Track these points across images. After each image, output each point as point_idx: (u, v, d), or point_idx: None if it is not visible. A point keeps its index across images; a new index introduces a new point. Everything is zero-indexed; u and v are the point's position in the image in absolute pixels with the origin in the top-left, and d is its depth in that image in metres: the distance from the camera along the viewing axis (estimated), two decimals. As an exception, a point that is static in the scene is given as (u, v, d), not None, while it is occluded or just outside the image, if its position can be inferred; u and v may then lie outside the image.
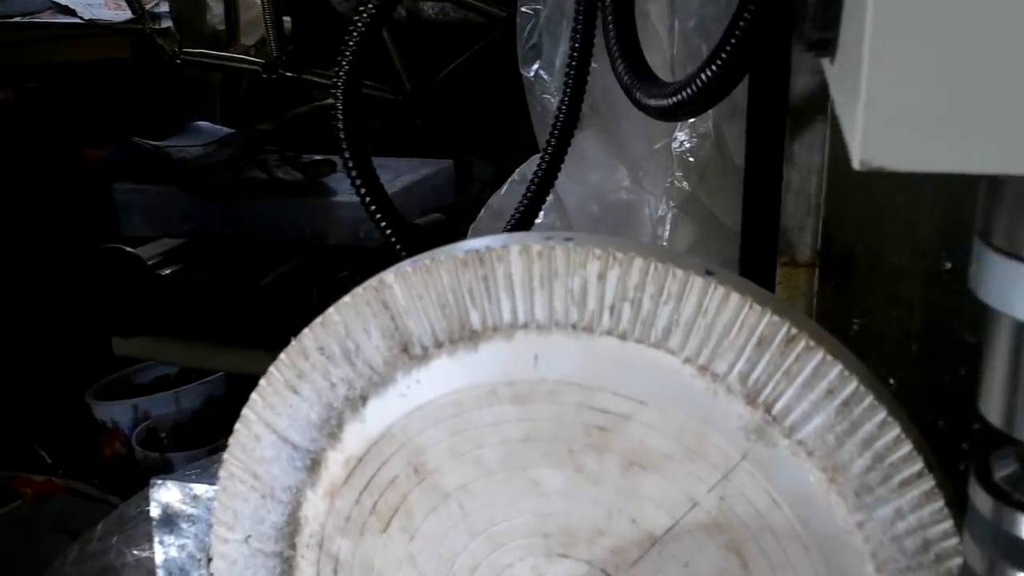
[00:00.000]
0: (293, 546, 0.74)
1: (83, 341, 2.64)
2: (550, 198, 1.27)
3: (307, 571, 0.75)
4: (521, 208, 1.07)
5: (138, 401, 2.73)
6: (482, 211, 1.60)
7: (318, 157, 2.35)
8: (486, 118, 2.89)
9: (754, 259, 1.04)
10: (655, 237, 1.31)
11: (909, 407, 0.98)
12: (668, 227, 1.28)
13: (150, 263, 2.27)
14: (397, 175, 2.41)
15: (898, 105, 0.45)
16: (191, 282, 2.29)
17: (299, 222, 2.26)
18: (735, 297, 0.64)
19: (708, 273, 0.65)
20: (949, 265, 0.92)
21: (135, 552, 1.76)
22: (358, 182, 0.96)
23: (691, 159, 1.26)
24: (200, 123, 2.69)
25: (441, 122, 3.01)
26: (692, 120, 1.26)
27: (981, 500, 0.55)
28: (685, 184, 1.26)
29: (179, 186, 2.32)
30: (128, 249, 2.29)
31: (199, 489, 0.96)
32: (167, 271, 2.28)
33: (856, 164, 0.46)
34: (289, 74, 2.74)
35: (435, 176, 2.53)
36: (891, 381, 0.96)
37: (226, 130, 2.60)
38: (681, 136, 1.27)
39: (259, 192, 2.29)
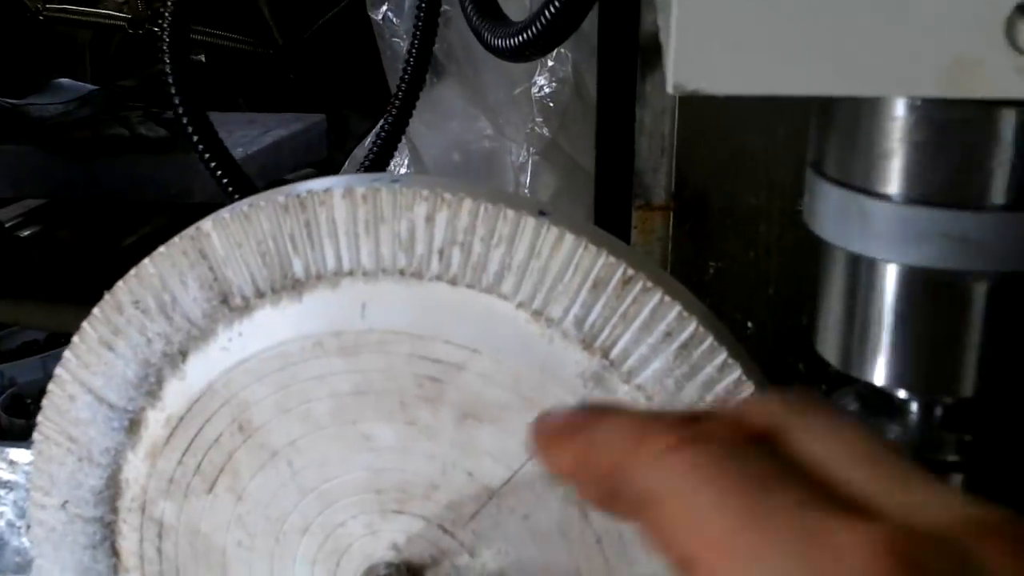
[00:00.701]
0: (114, 511, 0.70)
1: (-56, 307, 2.56)
2: (407, 150, 1.23)
3: (130, 537, 0.71)
4: (370, 157, 1.03)
5: (3, 367, 2.64)
6: (346, 163, 1.56)
7: (184, 113, 2.28)
8: (363, 72, 2.83)
9: (609, 203, 1.01)
10: (517, 185, 1.28)
11: (767, 350, 0.96)
12: (529, 174, 1.25)
13: (8, 225, 2.19)
14: (266, 130, 2.34)
15: (709, 27, 0.42)
16: (52, 244, 2.22)
17: (163, 180, 2.18)
18: (569, 238, 0.61)
19: (541, 214, 0.62)
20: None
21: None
22: (189, 127, 0.92)
23: (551, 104, 1.23)
24: (62, 80, 2.59)
25: (315, 77, 2.94)
26: (552, 64, 1.23)
27: (821, 443, 0.53)
28: (545, 130, 1.23)
29: (38, 145, 2.24)
30: (-15, 211, 2.21)
31: (16, 454, 0.91)
32: (27, 233, 2.21)
33: (670, 88, 0.43)
34: (156, 29, 2.66)
35: (307, 131, 2.47)
36: (749, 324, 0.94)
37: (88, 87, 2.52)
38: (541, 81, 1.23)
39: (121, 149, 2.21)
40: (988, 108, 0.44)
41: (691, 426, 0.38)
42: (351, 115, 2.84)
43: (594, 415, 0.42)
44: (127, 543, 0.71)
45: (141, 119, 2.25)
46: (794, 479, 0.35)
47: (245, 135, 2.30)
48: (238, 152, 2.12)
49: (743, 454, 0.36)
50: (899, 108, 0.45)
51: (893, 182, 0.46)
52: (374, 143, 1.04)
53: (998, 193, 0.44)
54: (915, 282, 0.47)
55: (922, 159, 0.45)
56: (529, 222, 0.61)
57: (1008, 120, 0.43)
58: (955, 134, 0.44)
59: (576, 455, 0.41)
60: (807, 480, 0.36)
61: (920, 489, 0.36)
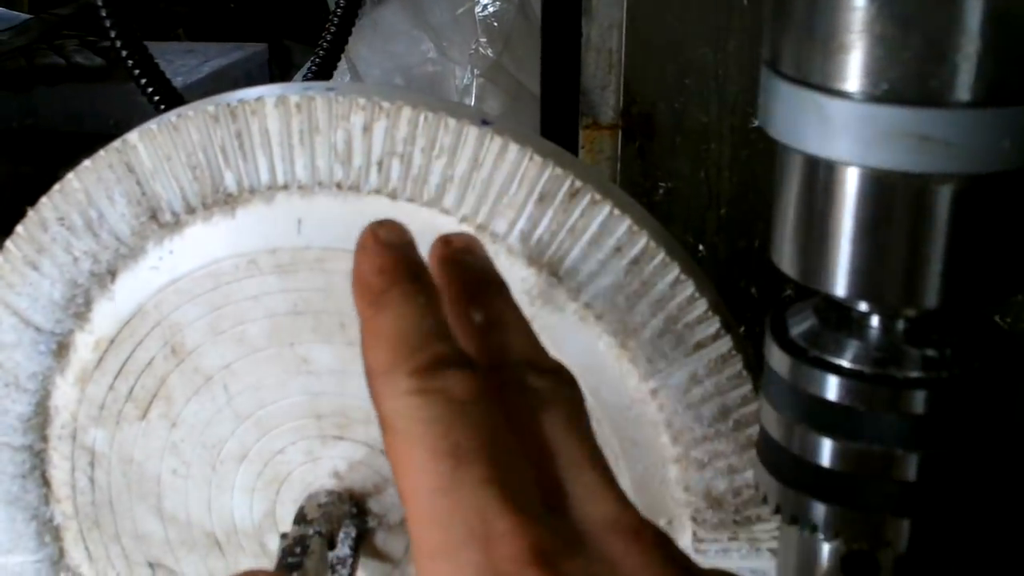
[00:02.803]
0: (44, 438, 0.67)
1: None
2: (348, 74, 1.20)
3: (61, 465, 0.68)
4: (308, 78, 1.00)
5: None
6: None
7: (122, 41, 2.23)
8: (305, 1, 2.78)
9: (555, 123, 0.99)
10: (474, 106, 1.25)
11: (719, 273, 0.94)
12: (474, 96, 1.22)
13: (-59, 158, 2.14)
14: (206, 60, 2.30)
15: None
16: (-13, 175, 2.17)
17: (101, 110, 2.13)
18: (514, 148, 0.59)
19: (484, 123, 0.59)
20: (758, 122, 0.88)
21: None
22: (124, 52, 0.88)
23: (495, 24, 1.20)
24: (-5, 9, 2.54)
25: (256, 5, 2.89)
26: (497, -17, 1.20)
27: (777, 359, 0.51)
28: (490, 51, 1.20)
29: (-28, 75, 2.19)
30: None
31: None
32: (-39, 165, 2.16)
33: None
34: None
35: (247, 61, 2.43)
36: (700, 247, 0.92)
37: (23, 16, 2.46)
38: (484, 0, 1.20)
39: (57, 79, 2.16)
40: (954, -4, 0.41)
41: (433, 374, 0.40)
42: (293, 46, 2.80)
43: (385, 290, 0.43)
44: (58, 472, 0.68)
45: (77, 48, 2.21)
46: (494, 456, 0.39)
47: (184, 65, 2.25)
48: (177, 82, 2.07)
49: (465, 419, 0.40)
50: (859, -2, 0.43)
51: (852, 78, 0.43)
52: (312, 63, 1.00)
53: (964, 89, 0.42)
54: (876, 186, 0.45)
55: (883, 53, 0.42)
56: (471, 131, 0.58)
57: (974, 8, 0.41)
58: (918, 25, 0.42)
59: (360, 328, 0.43)
60: (513, 461, 0.40)
61: (595, 490, 0.42)
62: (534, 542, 0.38)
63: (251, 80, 2.42)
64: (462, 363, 0.41)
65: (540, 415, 0.43)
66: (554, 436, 0.43)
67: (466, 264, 0.47)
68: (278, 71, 2.65)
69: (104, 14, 0.92)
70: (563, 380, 0.45)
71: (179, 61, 2.28)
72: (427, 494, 0.39)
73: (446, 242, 0.48)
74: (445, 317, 0.44)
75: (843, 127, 0.44)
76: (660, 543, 0.41)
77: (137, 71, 0.94)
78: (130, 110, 2.15)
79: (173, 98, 0.97)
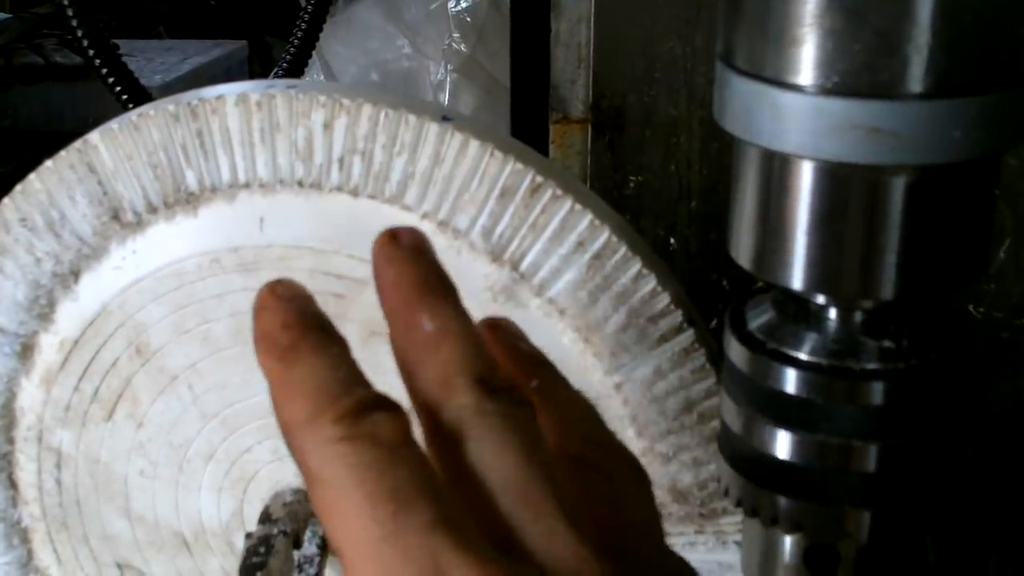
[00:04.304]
0: (10, 440, 0.67)
1: None
2: (323, 71, 1.20)
3: (27, 467, 0.68)
4: (279, 75, 0.99)
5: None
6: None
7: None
8: (286, -1, 2.78)
9: (525, 118, 0.98)
10: (436, 103, 1.25)
11: (691, 266, 0.94)
12: (448, 92, 1.22)
13: (-79, 158, 2.13)
14: (185, 57, 2.30)
15: None
16: (-33, 176, 2.16)
17: (81, 109, 2.13)
18: (474, 144, 0.59)
19: (445, 119, 0.59)
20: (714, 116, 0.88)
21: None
22: (85, 41, 0.88)
23: (468, 19, 1.19)
24: (-27, 9, 2.53)
25: (237, 2, 2.88)
26: (469, -21, 1.20)
27: (736, 352, 0.51)
28: (463, 47, 1.20)
29: (-50, 75, 2.18)
30: None
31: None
32: (-60, 165, 2.15)
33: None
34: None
35: (227, 58, 2.42)
36: (672, 240, 0.92)
37: (2, 15, 2.45)
38: (457, -5, 1.20)
39: (36, 78, 2.16)
40: (902, -12, 0.41)
41: (361, 419, 0.39)
42: (274, 42, 2.79)
43: (295, 343, 0.41)
44: (24, 474, 0.68)
45: (56, 47, 2.20)
46: (436, 498, 0.37)
47: (164, 62, 2.25)
48: (156, 80, 2.08)
49: (400, 461, 0.38)
50: (810, -8, 0.43)
51: (804, 72, 0.43)
52: (283, 60, 1.00)
53: (914, 81, 0.42)
54: (830, 178, 0.45)
55: (833, 46, 0.42)
56: (432, 128, 0.58)
57: (925, 1, 0.41)
58: (868, 17, 0.42)
59: (269, 383, 0.41)
60: (454, 501, 0.38)
61: (553, 532, 0.39)
62: None
63: (231, 77, 2.41)
64: (387, 406, 0.40)
65: (490, 443, 0.40)
66: (504, 467, 0.40)
67: (416, 262, 0.45)
68: (259, 68, 2.65)
69: (71, 13, 0.91)
70: (516, 402, 0.42)
71: (159, 59, 2.27)
72: (369, 544, 0.37)
73: (393, 237, 0.45)
74: (358, 366, 0.42)
75: (796, 120, 0.44)
76: None
77: (105, 70, 0.94)
78: (109, 109, 2.15)
79: (142, 98, 0.96)
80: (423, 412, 0.42)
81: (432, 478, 0.38)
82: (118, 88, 0.97)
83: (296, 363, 0.41)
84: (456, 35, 1.21)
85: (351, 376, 0.41)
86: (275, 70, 1.01)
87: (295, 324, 0.42)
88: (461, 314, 0.44)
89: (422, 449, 0.40)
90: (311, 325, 0.42)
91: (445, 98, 1.22)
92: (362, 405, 0.39)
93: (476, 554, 0.37)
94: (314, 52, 1.03)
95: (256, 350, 0.42)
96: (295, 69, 1.01)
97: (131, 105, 0.94)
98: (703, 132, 0.89)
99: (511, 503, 0.40)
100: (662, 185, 0.91)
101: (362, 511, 0.37)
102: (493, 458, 0.40)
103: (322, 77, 1.29)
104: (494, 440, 0.40)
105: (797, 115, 0.44)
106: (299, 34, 1.00)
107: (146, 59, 2.23)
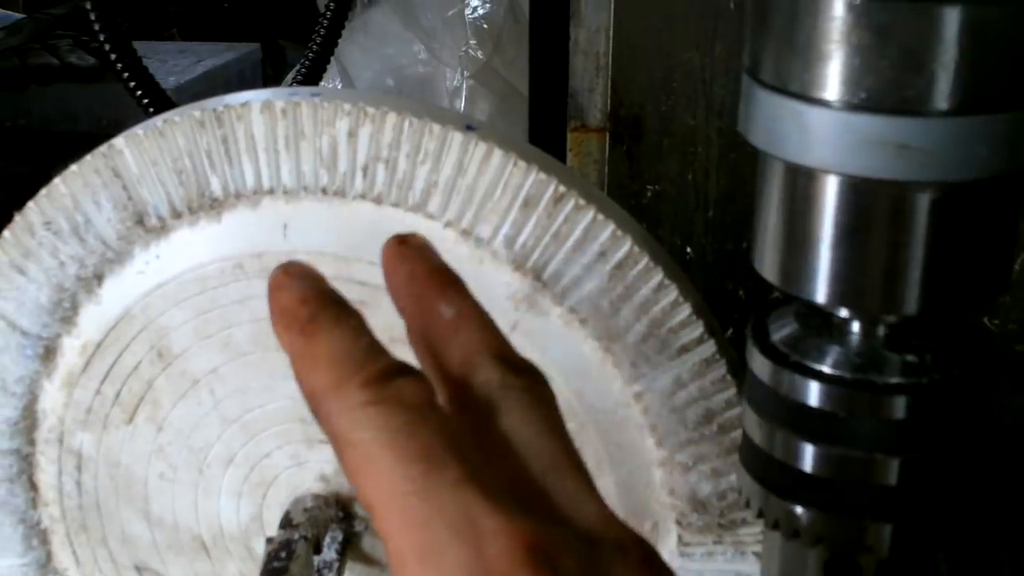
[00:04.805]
0: (31, 442, 0.68)
1: None
2: (340, 76, 1.20)
3: (48, 469, 0.68)
4: (298, 79, 1.00)
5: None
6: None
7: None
8: (300, 1, 2.78)
9: (543, 125, 0.99)
10: (459, 111, 1.25)
11: (707, 276, 0.94)
12: (464, 98, 1.22)
13: (-65, 158, 2.14)
14: (198, 60, 2.30)
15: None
16: (-20, 175, 2.16)
17: (95, 110, 2.14)
18: (498, 154, 0.59)
19: (469, 128, 0.59)
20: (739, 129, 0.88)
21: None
22: (106, 44, 0.88)
23: (485, 26, 1.20)
24: (-11, 9, 2.54)
25: (250, 5, 2.89)
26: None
27: (759, 364, 0.51)
28: (480, 53, 1.20)
29: (-35, 75, 2.19)
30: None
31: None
32: (-46, 165, 2.15)
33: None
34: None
35: (241, 61, 2.42)
36: (688, 250, 0.93)
37: (16, 15, 2.46)
38: (474, 2, 1.20)
39: (51, 79, 2.16)
40: (930, 6, 0.41)
41: (386, 383, 0.40)
42: (287, 45, 2.80)
43: (314, 317, 0.43)
44: (45, 476, 0.69)
45: (71, 48, 2.20)
46: (465, 457, 0.38)
47: (177, 64, 2.25)
48: (170, 82, 2.08)
49: (427, 423, 0.39)
50: (838, 6, 0.43)
51: (831, 87, 0.43)
52: (301, 65, 1.00)
53: (941, 97, 0.42)
54: (855, 193, 0.45)
55: (861, 62, 0.43)
56: (456, 137, 0.59)
57: (951, 18, 0.41)
58: (896, 34, 0.42)
59: (291, 359, 0.43)
60: (482, 461, 0.39)
61: (579, 497, 0.40)
62: (528, 539, 0.37)
63: (244, 80, 2.42)
64: (410, 371, 0.41)
65: (518, 414, 0.42)
66: (532, 437, 0.42)
67: (427, 259, 0.47)
68: (272, 71, 2.65)
69: (93, 17, 0.92)
70: (538, 379, 0.44)
71: (172, 61, 2.28)
72: (401, 499, 0.38)
73: (401, 240, 0.47)
74: (376, 336, 0.43)
75: (822, 135, 0.44)
76: (647, 559, 0.40)
77: (126, 74, 0.94)
78: (123, 110, 2.14)
79: (162, 100, 0.97)
80: (451, 388, 0.43)
81: (459, 438, 0.39)
82: (138, 91, 0.97)
83: (317, 334, 0.42)
84: (473, 42, 1.21)
85: (372, 345, 0.42)
86: (293, 74, 1.01)
87: (312, 299, 0.43)
88: (473, 300, 0.46)
89: (460, 411, 0.42)
90: (328, 299, 0.44)
91: (461, 104, 1.23)
92: (387, 370, 0.40)
93: (508, 508, 0.37)
94: (331, 57, 1.03)
95: (275, 326, 0.44)
96: (314, 73, 1.01)
97: (150, 107, 0.94)
98: (721, 142, 0.89)
99: (541, 468, 0.41)
100: (679, 194, 0.91)
101: (393, 470, 0.38)
102: (523, 427, 0.42)
103: (339, 82, 1.29)
104: (522, 411, 0.42)
105: (823, 130, 0.44)
106: (318, 39, 1.00)
107: (159, 61, 2.24)
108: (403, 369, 0.41)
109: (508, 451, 0.41)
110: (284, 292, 0.44)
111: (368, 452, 0.39)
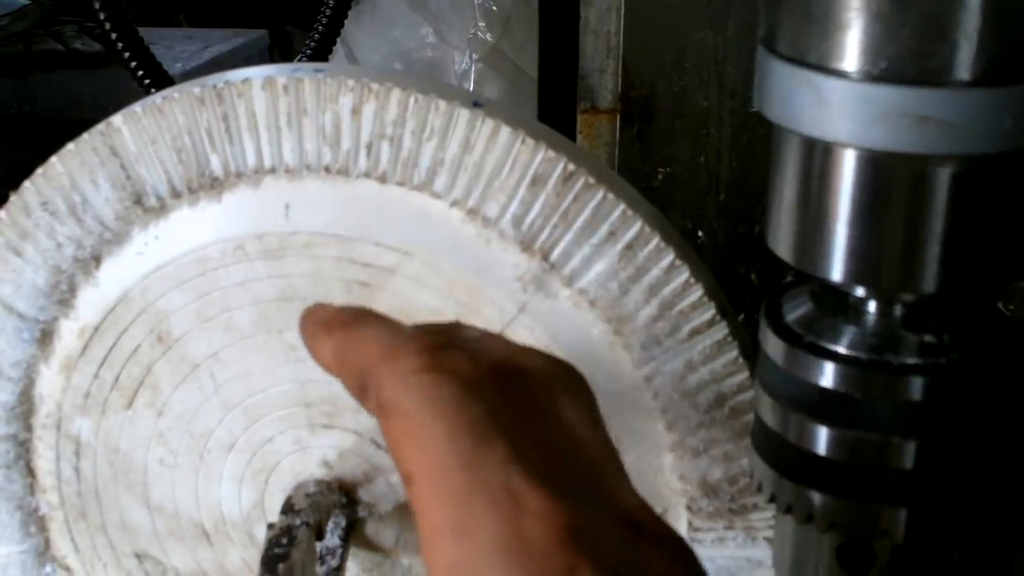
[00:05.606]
0: (28, 428, 0.66)
1: None
2: (346, 59, 1.19)
3: (45, 455, 0.67)
4: (303, 61, 0.99)
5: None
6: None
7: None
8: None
9: (553, 107, 0.97)
10: (465, 89, 1.24)
11: (719, 259, 0.93)
12: (473, 81, 1.21)
13: (-61, 145, 2.13)
14: (206, 46, 2.28)
15: None
16: (-15, 162, 2.16)
17: (99, 96, 2.12)
18: (505, 131, 0.57)
19: (476, 104, 0.58)
20: (753, 104, 0.87)
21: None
22: (108, 25, 0.87)
23: (494, 8, 1.18)
24: (-7, -5, 2.52)
25: (257, -9, 2.87)
26: (495, -32, 1.19)
27: (772, 345, 0.50)
28: (488, 36, 1.19)
29: (-30, 61, 2.17)
30: (-83, 130, 2.15)
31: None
32: (-41, 151, 2.14)
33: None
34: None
35: (248, 47, 2.41)
36: (699, 233, 0.91)
37: (21, 1, 2.44)
38: (482, -15, 1.19)
39: (55, 65, 2.15)
40: (954, -29, 0.40)
41: (441, 353, 0.41)
42: (294, 31, 2.78)
43: (358, 315, 0.45)
44: (43, 462, 0.67)
45: (75, 34, 2.19)
46: (512, 437, 0.39)
47: (184, 51, 2.24)
48: (176, 68, 2.07)
49: (478, 398, 0.39)
50: (857, -26, 0.41)
51: (850, 57, 0.42)
52: (306, 48, 0.99)
53: (963, 68, 0.41)
54: (874, 167, 0.43)
55: (881, 31, 0.41)
56: (462, 114, 0.57)
57: (975, -15, 0.40)
58: (918, 2, 0.40)
59: (335, 349, 0.44)
60: (534, 441, 0.39)
61: (620, 488, 0.41)
62: (570, 521, 0.37)
63: (251, 66, 2.40)
64: (464, 348, 0.42)
65: (566, 403, 0.43)
66: (577, 427, 0.42)
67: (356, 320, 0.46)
68: (279, 57, 2.63)
69: (98, 5, 0.90)
70: (576, 373, 0.45)
71: (179, 47, 2.27)
72: (442, 472, 0.38)
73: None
74: None
75: (840, 107, 0.43)
76: (683, 554, 0.40)
77: (131, 60, 0.93)
78: (128, 96, 2.13)
79: (166, 85, 0.95)
80: (497, 375, 0.43)
81: (507, 418, 0.39)
82: (141, 74, 0.96)
83: (363, 324, 0.43)
84: (482, 24, 1.20)
85: (419, 327, 0.43)
86: (299, 57, 1.00)
87: (349, 310, 0.45)
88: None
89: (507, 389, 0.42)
90: (364, 309, 0.45)
91: (470, 87, 1.22)
92: (441, 343, 0.41)
93: (552, 490, 0.37)
94: (338, 40, 1.02)
95: (314, 336, 0.45)
96: (319, 56, 1.00)
97: (154, 92, 0.93)
98: (734, 123, 0.88)
99: (585, 457, 0.41)
100: (691, 177, 0.90)
101: (440, 442, 0.38)
102: (569, 415, 0.42)
103: (347, 64, 1.28)
104: (569, 401, 0.43)
105: (841, 102, 0.43)
106: (323, 20, 0.99)
107: (166, 47, 2.22)
108: (455, 342, 0.42)
109: (554, 437, 0.41)
110: (319, 310, 0.46)
111: (417, 421, 0.39)
